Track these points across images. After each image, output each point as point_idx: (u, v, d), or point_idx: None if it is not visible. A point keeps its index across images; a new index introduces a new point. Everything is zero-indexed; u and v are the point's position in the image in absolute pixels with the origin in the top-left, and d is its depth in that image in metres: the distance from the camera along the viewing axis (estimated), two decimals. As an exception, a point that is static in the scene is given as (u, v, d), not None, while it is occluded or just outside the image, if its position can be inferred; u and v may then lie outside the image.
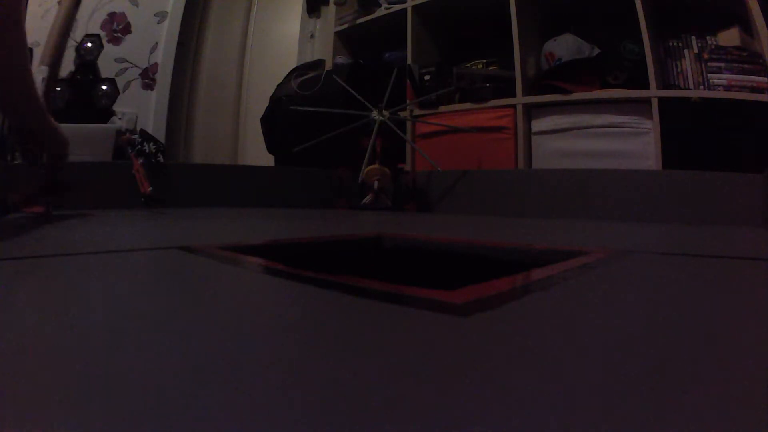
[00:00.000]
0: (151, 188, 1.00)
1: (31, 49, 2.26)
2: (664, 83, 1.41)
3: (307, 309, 0.21)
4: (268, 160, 1.75)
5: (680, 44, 1.42)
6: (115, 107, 2.38)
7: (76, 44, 2.36)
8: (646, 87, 1.33)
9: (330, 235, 0.51)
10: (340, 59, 2.01)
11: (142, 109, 2.54)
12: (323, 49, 2.39)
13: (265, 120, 1.69)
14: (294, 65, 1.98)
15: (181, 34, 2.76)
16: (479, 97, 1.60)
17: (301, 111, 1.42)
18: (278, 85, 1.74)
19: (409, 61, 1.78)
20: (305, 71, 1.73)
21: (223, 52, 3.14)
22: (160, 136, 2.54)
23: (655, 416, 0.10)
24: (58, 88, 2.28)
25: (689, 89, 1.37)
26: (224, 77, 3.14)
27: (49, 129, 0.70)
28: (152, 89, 2.63)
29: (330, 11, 2.18)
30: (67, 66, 2.39)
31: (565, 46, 1.49)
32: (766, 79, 1.23)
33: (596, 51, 1.49)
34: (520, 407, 0.10)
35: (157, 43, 2.66)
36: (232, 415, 0.10)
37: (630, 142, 1.36)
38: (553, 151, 1.49)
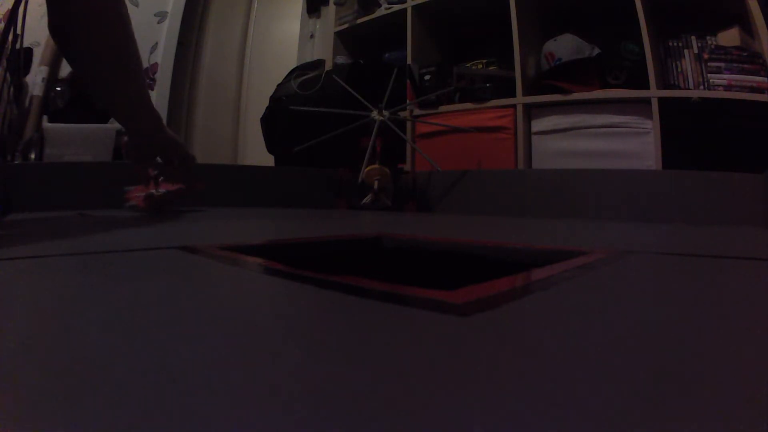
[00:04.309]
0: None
1: (30, 49, 2.26)
2: (664, 83, 1.41)
3: (307, 309, 0.21)
4: (268, 160, 1.74)
5: (680, 44, 1.42)
6: (115, 107, 2.38)
7: (76, 44, 2.36)
8: (646, 87, 1.33)
9: (330, 235, 0.51)
10: (340, 59, 2.01)
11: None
12: (323, 49, 2.39)
13: (265, 120, 1.69)
14: (294, 65, 1.98)
15: (181, 34, 2.76)
16: (479, 97, 1.60)
17: (301, 111, 1.42)
18: (278, 85, 1.74)
19: (409, 61, 1.78)
20: (305, 71, 1.73)
21: (223, 52, 3.14)
22: (160, 136, 2.54)
23: (656, 416, 0.10)
24: (58, 88, 2.28)
25: (689, 89, 1.37)
26: (224, 77, 3.14)
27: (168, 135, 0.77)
28: (152, 89, 2.63)
29: (330, 11, 2.18)
30: (67, 66, 2.39)
31: (565, 46, 1.50)
32: (766, 79, 1.23)
33: (596, 51, 1.49)
34: (521, 407, 0.10)
35: (157, 43, 2.66)
36: (231, 415, 0.10)
37: (630, 142, 1.36)
38: (553, 151, 1.49)
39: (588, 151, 1.42)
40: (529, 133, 1.54)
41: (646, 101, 1.32)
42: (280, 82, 1.76)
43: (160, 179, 0.81)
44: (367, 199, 1.22)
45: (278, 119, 1.62)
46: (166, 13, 2.72)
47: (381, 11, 1.94)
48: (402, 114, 1.52)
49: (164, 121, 0.78)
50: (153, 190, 0.81)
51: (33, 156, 2.05)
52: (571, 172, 1.12)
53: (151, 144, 0.75)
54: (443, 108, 1.67)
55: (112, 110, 0.75)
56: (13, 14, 0.84)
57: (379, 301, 0.21)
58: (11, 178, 0.90)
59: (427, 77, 1.69)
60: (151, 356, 0.13)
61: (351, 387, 0.11)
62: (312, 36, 2.78)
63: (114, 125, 2.34)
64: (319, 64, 1.89)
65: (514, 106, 1.52)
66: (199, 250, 0.36)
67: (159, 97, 2.63)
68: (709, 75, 1.33)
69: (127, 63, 0.65)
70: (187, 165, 0.80)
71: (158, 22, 2.68)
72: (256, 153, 2.57)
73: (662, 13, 1.41)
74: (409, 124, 1.69)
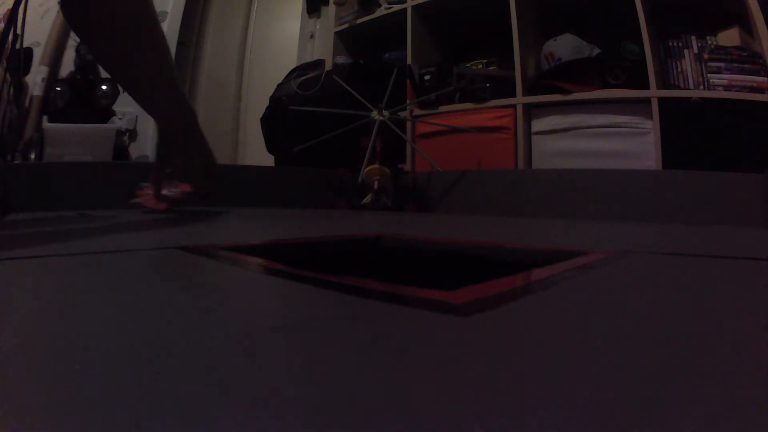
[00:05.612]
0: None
1: (31, 49, 2.26)
2: (664, 83, 1.41)
3: (307, 309, 0.21)
4: (268, 160, 1.74)
5: (680, 44, 1.42)
6: (115, 107, 2.38)
7: (76, 44, 2.36)
8: (646, 87, 1.33)
9: (330, 235, 0.51)
10: (340, 59, 2.01)
11: (142, 109, 2.54)
12: (323, 49, 2.39)
13: (265, 120, 1.69)
14: (294, 65, 1.98)
15: (181, 34, 2.76)
16: (479, 97, 1.60)
17: (301, 111, 1.41)
18: (278, 85, 1.74)
19: (409, 61, 1.78)
20: (305, 71, 1.73)
21: (223, 52, 3.14)
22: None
23: (656, 416, 0.10)
24: (58, 88, 2.28)
25: (689, 89, 1.37)
26: (224, 77, 3.14)
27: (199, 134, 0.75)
28: (152, 89, 2.63)
29: (330, 11, 2.18)
30: (67, 66, 2.39)
31: (565, 46, 1.50)
32: (766, 79, 1.23)
33: (596, 51, 1.49)
34: (521, 407, 0.10)
35: (157, 43, 2.65)
36: (231, 414, 0.10)
37: (630, 142, 1.36)
38: (553, 151, 1.49)
39: (588, 151, 1.42)
40: (529, 133, 1.54)
41: (646, 101, 1.32)
42: (280, 82, 1.76)
43: (174, 180, 0.78)
44: (367, 199, 1.22)
45: (278, 119, 1.62)
46: (166, 13, 2.72)
47: (381, 11, 1.93)
48: (402, 114, 1.52)
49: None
50: (166, 191, 0.78)
51: (33, 156, 2.05)
52: (571, 172, 1.12)
53: (182, 141, 0.70)
54: (443, 108, 1.67)
55: (132, 90, 0.70)
56: (13, 14, 0.84)
57: (379, 301, 0.21)
58: (11, 178, 0.90)
59: (427, 77, 1.69)
60: (151, 356, 0.13)
61: (351, 387, 0.11)
62: (312, 36, 2.78)
63: (114, 125, 2.34)
64: (319, 64, 1.89)
65: (514, 106, 1.52)
66: (199, 250, 0.36)
67: (159, 97, 2.62)
68: (709, 75, 1.33)
69: (144, 34, 0.63)
70: (209, 171, 0.75)
71: (158, 22, 2.67)
72: (256, 153, 2.56)
73: (662, 13, 1.41)
74: (409, 124, 1.69)
